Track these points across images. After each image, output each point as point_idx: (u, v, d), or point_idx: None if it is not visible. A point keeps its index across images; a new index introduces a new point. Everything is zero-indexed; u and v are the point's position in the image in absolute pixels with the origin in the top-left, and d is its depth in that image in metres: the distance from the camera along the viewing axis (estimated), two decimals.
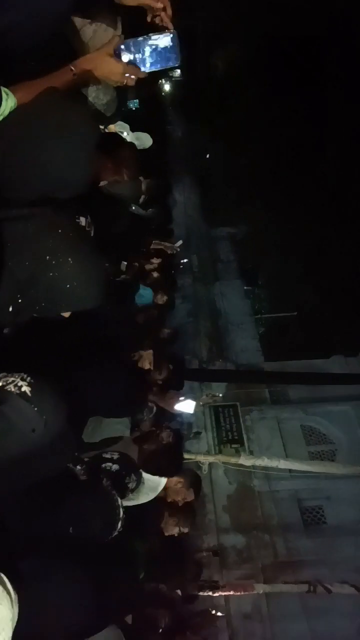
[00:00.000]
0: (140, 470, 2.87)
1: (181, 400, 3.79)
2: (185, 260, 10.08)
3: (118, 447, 2.94)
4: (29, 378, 1.57)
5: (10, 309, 1.56)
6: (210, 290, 11.35)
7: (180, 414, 6.60)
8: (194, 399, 4.26)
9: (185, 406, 3.91)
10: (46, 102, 1.60)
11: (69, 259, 1.60)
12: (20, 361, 1.70)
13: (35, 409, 1.50)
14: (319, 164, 13.47)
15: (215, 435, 7.99)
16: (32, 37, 1.44)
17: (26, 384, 1.53)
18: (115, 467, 2.61)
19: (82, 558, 1.88)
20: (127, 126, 5.42)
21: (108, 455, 2.68)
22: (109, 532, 2.21)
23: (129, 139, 5.83)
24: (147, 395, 3.67)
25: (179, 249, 6.26)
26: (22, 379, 1.56)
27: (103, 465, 2.61)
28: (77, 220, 2.04)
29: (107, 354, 3.02)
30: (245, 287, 11.76)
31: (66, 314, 1.76)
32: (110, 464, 2.58)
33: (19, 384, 1.53)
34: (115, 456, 2.68)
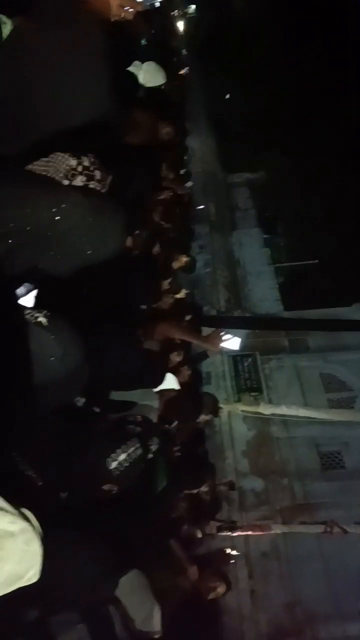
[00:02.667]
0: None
1: (225, 339, 3.64)
2: (202, 207, 9.87)
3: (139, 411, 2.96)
4: (45, 311, 1.60)
5: None
6: (228, 239, 11.15)
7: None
8: (240, 355, 4.15)
9: (231, 343, 3.75)
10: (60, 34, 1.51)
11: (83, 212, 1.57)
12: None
13: (53, 336, 1.53)
14: (340, 107, 12.83)
15: (234, 384, 8.06)
16: None
17: (42, 315, 1.57)
18: (138, 429, 2.62)
19: (93, 509, 1.93)
20: (140, 64, 5.22)
21: (132, 418, 2.70)
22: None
23: (141, 79, 5.62)
24: (165, 365, 3.65)
25: (189, 190, 6.10)
26: (39, 312, 1.60)
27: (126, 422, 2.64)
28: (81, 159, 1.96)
29: (125, 323, 3.02)
30: (264, 236, 11.51)
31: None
32: (133, 426, 2.59)
33: (36, 315, 1.56)
34: (139, 418, 2.70)
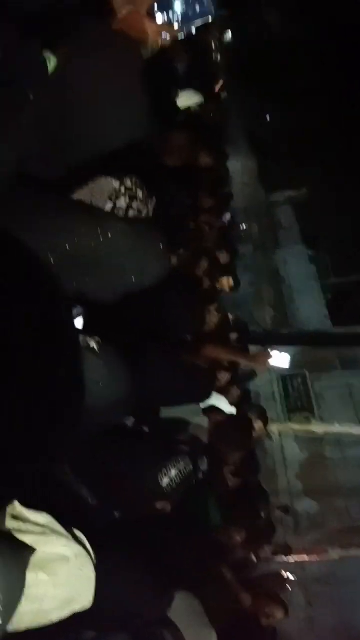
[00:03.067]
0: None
1: (274, 355, 3.57)
2: (244, 227, 9.89)
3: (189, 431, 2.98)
4: (97, 337, 1.67)
5: None
6: (272, 257, 11.11)
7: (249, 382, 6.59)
8: (288, 375, 4.06)
9: (280, 361, 3.67)
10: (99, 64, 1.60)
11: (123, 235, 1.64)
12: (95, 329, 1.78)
13: (102, 362, 1.59)
14: None
15: (285, 404, 7.92)
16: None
17: (94, 341, 1.63)
18: (186, 447, 2.62)
19: (142, 534, 1.94)
20: (178, 90, 5.42)
21: (181, 437, 2.72)
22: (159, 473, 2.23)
23: (180, 103, 5.78)
24: (213, 381, 3.65)
25: (226, 223, 6.14)
26: (91, 337, 1.67)
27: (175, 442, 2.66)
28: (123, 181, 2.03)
29: (169, 341, 3.06)
30: (308, 252, 11.40)
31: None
32: (182, 444, 2.61)
33: (88, 341, 1.63)
34: (188, 438, 2.71)
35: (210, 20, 1.72)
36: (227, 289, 6.26)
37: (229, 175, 8.22)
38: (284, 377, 8.12)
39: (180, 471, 2.22)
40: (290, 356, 8.93)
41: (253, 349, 8.83)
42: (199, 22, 1.66)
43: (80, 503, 1.97)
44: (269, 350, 3.55)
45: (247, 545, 3.98)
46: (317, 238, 11.79)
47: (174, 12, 1.63)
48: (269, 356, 3.52)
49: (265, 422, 4.02)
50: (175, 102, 5.78)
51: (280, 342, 9.08)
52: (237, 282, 7.51)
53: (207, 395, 3.29)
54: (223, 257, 5.68)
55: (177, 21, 1.64)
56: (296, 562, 5.74)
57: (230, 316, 5.83)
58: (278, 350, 3.50)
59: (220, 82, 9.96)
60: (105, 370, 1.65)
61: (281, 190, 12.58)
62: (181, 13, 1.63)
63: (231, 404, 4.61)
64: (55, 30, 1.41)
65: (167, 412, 3.20)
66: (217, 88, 9.22)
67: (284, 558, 5.46)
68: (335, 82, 12.91)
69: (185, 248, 4.07)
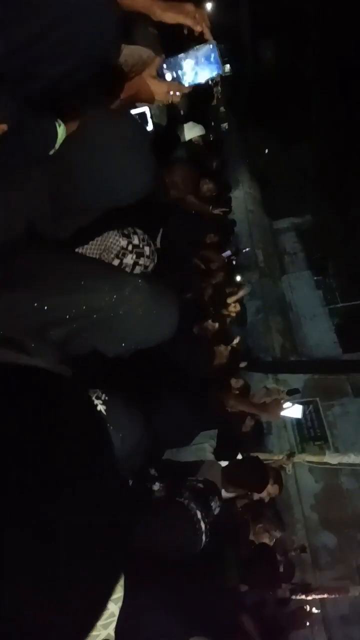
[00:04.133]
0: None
1: (287, 407, 3.61)
2: (247, 250, 9.87)
3: (200, 472, 2.93)
4: (104, 395, 1.63)
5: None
6: (278, 284, 11.12)
7: None
8: (300, 403, 4.07)
9: (293, 411, 3.69)
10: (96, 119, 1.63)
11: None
12: (96, 379, 1.76)
13: (111, 427, 1.56)
14: None
15: (297, 433, 7.81)
16: (84, 76, 1.46)
17: (101, 402, 1.60)
18: (200, 485, 2.58)
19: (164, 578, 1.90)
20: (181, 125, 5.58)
21: (193, 479, 2.67)
22: (195, 548, 2.21)
23: (182, 137, 5.90)
24: (222, 415, 3.63)
25: (226, 260, 6.21)
26: (97, 397, 1.63)
27: (188, 481, 2.61)
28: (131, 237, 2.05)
29: (177, 380, 3.04)
30: (315, 278, 11.41)
31: None
32: (195, 482, 2.56)
33: (95, 403, 1.59)
34: (200, 479, 2.66)
35: (217, 75, 1.73)
36: (234, 315, 6.27)
37: (231, 203, 8.30)
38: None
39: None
40: (301, 384, 8.91)
41: (262, 377, 8.79)
42: (206, 79, 1.67)
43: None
44: (282, 402, 3.55)
45: (266, 591, 3.87)
46: (322, 263, 11.82)
47: (182, 71, 1.65)
48: (282, 407, 3.52)
49: (281, 486, 4.02)
50: (178, 138, 5.90)
51: (289, 369, 9.01)
52: (243, 310, 7.50)
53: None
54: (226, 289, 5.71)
55: (187, 80, 1.65)
56: (317, 600, 5.56)
57: (237, 341, 5.79)
58: (290, 400, 3.51)
59: (224, 124, 10.18)
60: (115, 431, 1.61)
61: (285, 217, 12.69)
62: (192, 72, 1.65)
63: (244, 434, 4.58)
64: (67, 101, 1.44)
65: (178, 456, 3.17)
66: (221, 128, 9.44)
67: (304, 597, 5.28)
68: (339, 109, 13.13)
69: (192, 288, 4.09)
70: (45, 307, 1.56)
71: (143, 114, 2.26)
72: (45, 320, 1.57)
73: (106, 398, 1.61)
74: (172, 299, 1.73)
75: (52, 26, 1.22)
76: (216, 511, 2.72)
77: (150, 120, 2.28)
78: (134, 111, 2.19)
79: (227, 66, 13.01)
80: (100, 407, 1.54)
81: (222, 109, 11.21)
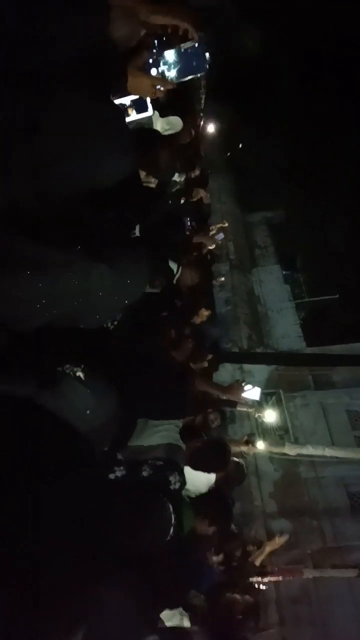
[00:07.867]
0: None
1: (247, 389, 3.79)
2: (221, 238, 9.97)
3: (164, 453, 2.99)
4: (83, 365, 1.71)
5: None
6: (248, 276, 11.29)
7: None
8: (257, 385, 4.29)
9: (252, 393, 3.91)
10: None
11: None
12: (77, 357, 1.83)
13: (89, 390, 1.64)
14: (356, 143, 13.07)
15: (259, 423, 8.00)
16: (75, 64, 1.49)
17: (80, 370, 1.68)
18: (159, 462, 2.66)
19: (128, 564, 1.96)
20: (157, 113, 5.50)
21: (152, 460, 2.73)
22: (162, 539, 2.27)
23: (159, 126, 5.86)
24: (196, 401, 3.70)
25: (220, 242, 6.26)
26: (77, 366, 1.71)
27: (148, 459, 2.68)
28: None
29: (152, 360, 3.09)
30: (284, 272, 11.63)
31: None
32: (155, 461, 2.63)
33: (75, 369, 1.68)
34: (161, 457, 2.73)
35: (203, 73, 1.77)
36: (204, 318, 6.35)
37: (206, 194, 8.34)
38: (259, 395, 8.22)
39: None
40: (265, 375, 9.12)
41: (229, 367, 8.95)
42: (191, 76, 1.72)
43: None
44: (242, 382, 3.71)
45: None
46: (292, 258, 12.06)
47: (170, 68, 1.70)
48: (242, 388, 3.67)
49: (242, 480, 4.17)
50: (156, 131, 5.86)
51: (255, 360, 9.21)
52: (212, 304, 7.56)
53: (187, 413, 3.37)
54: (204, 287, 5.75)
55: (173, 76, 1.70)
56: (270, 582, 5.76)
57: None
58: (250, 383, 3.69)
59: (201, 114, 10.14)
60: (92, 398, 1.69)
61: (257, 211, 12.84)
62: (177, 69, 1.70)
63: (210, 426, 4.69)
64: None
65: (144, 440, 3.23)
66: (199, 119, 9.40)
67: (259, 579, 5.47)
68: (312, 103, 13.28)
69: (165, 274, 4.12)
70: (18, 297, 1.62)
71: (142, 100, 2.28)
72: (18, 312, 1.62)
73: (86, 368, 1.69)
74: (141, 267, 1.79)
75: None
76: (176, 486, 2.81)
77: (150, 106, 2.31)
78: (133, 97, 2.22)
79: (207, 54, 12.97)
80: (80, 374, 1.62)
81: (202, 96, 11.20)
